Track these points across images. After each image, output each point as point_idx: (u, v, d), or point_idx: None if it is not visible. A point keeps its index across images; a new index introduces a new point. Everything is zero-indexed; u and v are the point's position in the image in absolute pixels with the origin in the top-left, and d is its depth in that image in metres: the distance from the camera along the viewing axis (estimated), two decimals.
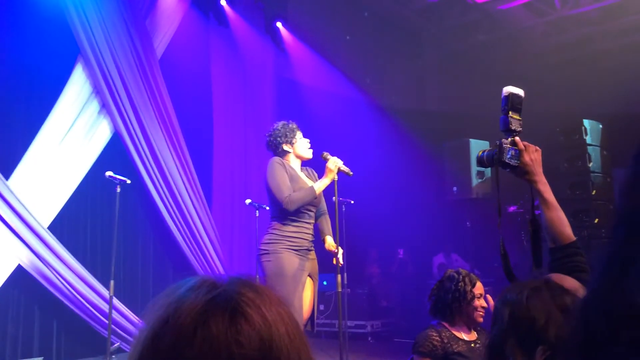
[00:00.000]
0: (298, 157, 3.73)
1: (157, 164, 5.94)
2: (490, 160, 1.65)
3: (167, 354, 0.55)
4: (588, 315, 0.59)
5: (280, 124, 3.76)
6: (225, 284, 0.61)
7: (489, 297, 2.55)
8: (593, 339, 0.57)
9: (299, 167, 3.76)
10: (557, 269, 1.57)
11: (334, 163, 3.55)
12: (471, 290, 2.54)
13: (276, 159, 3.62)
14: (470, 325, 2.60)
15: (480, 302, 2.55)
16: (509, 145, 1.61)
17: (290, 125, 3.73)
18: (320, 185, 3.56)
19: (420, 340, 2.52)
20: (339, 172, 3.58)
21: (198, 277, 0.63)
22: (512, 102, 1.64)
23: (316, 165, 3.86)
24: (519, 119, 1.66)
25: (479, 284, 2.58)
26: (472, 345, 2.54)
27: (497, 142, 1.62)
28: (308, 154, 3.76)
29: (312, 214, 3.65)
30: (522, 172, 1.63)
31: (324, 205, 3.81)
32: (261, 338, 0.56)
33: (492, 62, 8.60)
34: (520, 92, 1.66)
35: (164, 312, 0.58)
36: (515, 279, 1.64)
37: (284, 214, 3.53)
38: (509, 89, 1.65)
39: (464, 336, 2.55)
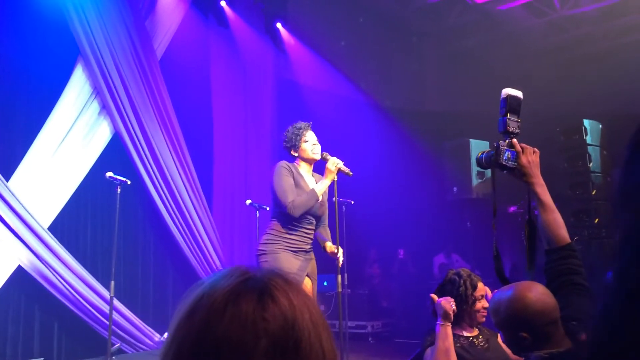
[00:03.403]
0: (305, 161, 3.69)
1: (157, 165, 5.94)
2: (489, 162, 1.66)
3: (199, 327, 0.61)
4: (596, 349, 0.56)
5: (289, 128, 3.69)
6: (258, 271, 0.67)
7: (489, 294, 2.55)
8: None
9: (309, 171, 3.71)
10: (551, 270, 1.58)
11: (334, 163, 3.54)
12: (472, 294, 2.54)
13: (283, 163, 3.60)
14: (473, 324, 2.61)
15: (482, 304, 2.56)
16: (505, 147, 1.62)
17: (297, 129, 3.65)
18: (321, 187, 3.54)
19: (430, 338, 2.54)
20: (339, 172, 3.57)
21: (233, 266, 0.69)
22: (510, 104, 1.65)
23: (319, 165, 3.83)
24: (517, 121, 1.66)
25: (480, 286, 2.58)
26: (474, 340, 2.56)
27: (495, 144, 1.63)
28: (313, 156, 3.66)
29: (312, 219, 3.61)
30: (519, 173, 1.63)
31: (326, 217, 3.78)
32: (285, 317, 0.61)
33: (492, 62, 8.60)
34: (518, 94, 1.66)
35: (200, 291, 0.65)
36: (507, 281, 1.65)
37: (283, 215, 3.53)
38: (507, 91, 1.66)
39: (464, 333, 2.58)
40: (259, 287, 0.63)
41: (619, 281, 0.56)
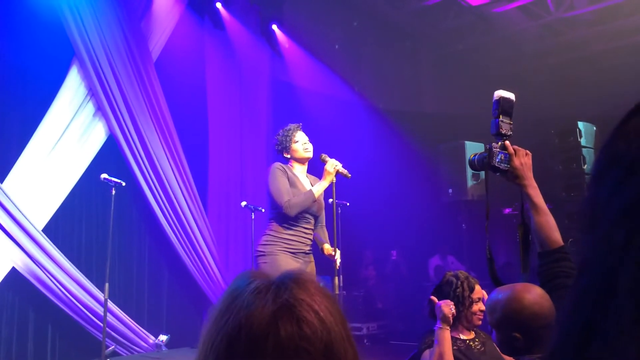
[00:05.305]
0: (298, 161, 3.70)
1: (153, 167, 5.93)
2: (481, 163, 1.66)
3: (242, 358, 0.64)
4: None
5: (280, 131, 3.72)
6: (283, 288, 0.67)
7: (486, 297, 2.55)
8: None
9: (303, 171, 3.72)
10: (544, 273, 1.57)
11: (332, 165, 3.54)
12: (469, 296, 2.54)
13: (277, 164, 3.61)
14: (469, 327, 2.61)
15: (478, 306, 2.56)
16: (498, 149, 1.62)
17: (287, 131, 3.67)
18: (318, 189, 3.55)
19: (427, 340, 2.54)
20: (337, 174, 3.58)
21: (255, 278, 0.69)
22: (502, 106, 1.65)
23: (316, 167, 3.83)
24: (509, 123, 1.67)
25: (477, 288, 2.58)
26: (470, 343, 2.56)
27: (487, 146, 1.63)
28: (305, 154, 3.68)
29: (309, 219, 3.61)
30: (512, 175, 1.63)
31: (323, 217, 3.78)
32: (323, 341, 0.64)
33: (487, 64, 8.64)
34: (511, 96, 1.67)
35: (235, 318, 0.65)
36: (501, 283, 1.65)
37: (281, 216, 3.53)
38: (499, 93, 1.66)
39: (461, 336, 2.58)
40: (294, 313, 0.65)
41: (570, 322, 0.50)
